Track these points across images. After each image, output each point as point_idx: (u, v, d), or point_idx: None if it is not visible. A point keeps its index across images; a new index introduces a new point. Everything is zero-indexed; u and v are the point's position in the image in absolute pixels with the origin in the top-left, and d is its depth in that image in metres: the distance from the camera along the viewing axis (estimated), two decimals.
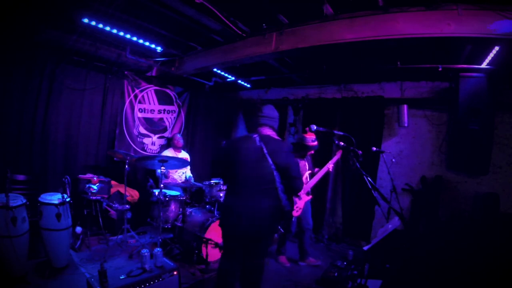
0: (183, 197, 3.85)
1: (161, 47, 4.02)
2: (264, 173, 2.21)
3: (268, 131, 2.40)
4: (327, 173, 3.63)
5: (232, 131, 6.61)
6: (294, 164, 2.30)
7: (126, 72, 4.57)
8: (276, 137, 2.42)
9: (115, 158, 4.24)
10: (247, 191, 2.24)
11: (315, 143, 3.52)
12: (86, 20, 3.15)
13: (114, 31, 3.41)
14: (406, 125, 4.25)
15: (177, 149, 4.67)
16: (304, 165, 3.69)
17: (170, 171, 4.45)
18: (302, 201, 3.58)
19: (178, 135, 4.75)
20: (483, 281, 2.80)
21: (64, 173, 3.32)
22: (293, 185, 2.28)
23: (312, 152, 3.65)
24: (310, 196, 3.70)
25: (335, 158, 3.68)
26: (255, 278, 2.42)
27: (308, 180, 3.65)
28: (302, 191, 3.53)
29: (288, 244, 3.89)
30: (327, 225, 5.09)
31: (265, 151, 2.22)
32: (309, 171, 3.72)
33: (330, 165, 3.60)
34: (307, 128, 3.54)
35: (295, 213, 3.54)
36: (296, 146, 3.72)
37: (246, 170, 2.25)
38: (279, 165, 2.22)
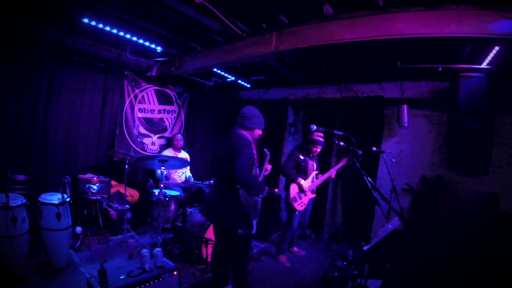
0: (183, 197, 3.85)
1: (161, 47, 4.01)
2: (219, 167, 2.52)
3: (238, 130, 2.55)
4: (329, 177, 3.86)
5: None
6: (238, 154, 2.31)
7: (126, 72, 4.57)
8: (237, 133, 2.51)
9: (115, 158, 4.23)
10: (213, 183, 2.65)
11: (322, 139, 3.71)
12: (86, 20, 3.14)
13: (114, 31, 3.41)
14: (406, 125, 4.25)
15: (177, 149, 4.68)
16: (312, 164, 3.86)
17: (170, 171, 4.45)
18: (307, 197, 3.76)
19: (179, 136, 4.74)
20: (483, 281, 2.80)
21: (64, 173, 3.32)
22: (235, 175, 2.30)
23: (318, 150, 3.78)
24: (314, 195, 3.88)
25: (339, 165, 3.87)
26: (237, 277, 2.61)
27: (315, 180, 3.84)
28: (309, 187, 3.74)
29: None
30: (327, 225, 5.09)
31: (221, 146, 2.54)
32: (316, 171, 3.87)
33: (333, 172, 3.82)
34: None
35: (300, 207, 3.70)
36: (304, 143, 3.91)
37: (214, 166, 2.64)
38: (224, 157, 2.43)
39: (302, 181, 3.67)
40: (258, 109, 2.66)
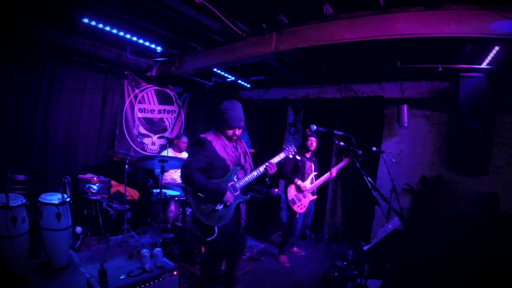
0: (183, 197, 3.85)
1: (161, 47, 4.01)
2: None
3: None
4: (329, 177, 3.81)
5: None
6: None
7: (126, 72, 4.57)
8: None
9: (115, 158, 4.23)
10: None
11: (313, 137, 3.70)
12: (86, 20, 3.14)
13: (114, 31, 3.41)
14: (406, 125, 4.25)
15: (180, 151, 4.62)
16: (310, 166, 3.81)
17: (170, 171, 4.44)
18: (306, 199, 3.70)
19: (185, 137, 4.59)
20: (483, 281, 2.80)
21: (64, 173, 3.32)
22: None
23: (313, 143, 3.71)
24: (315, 196, 3.82)
25: (340, 165, 3.84)
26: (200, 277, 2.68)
27: (314, 181, 3.78)
28: (308, 190, 3.69)
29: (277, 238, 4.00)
30: (327, 225, 5.09)
31: None
32: (315, 173, 3.83)
33: (333, 171, 3.77)
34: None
35: (300, 209, 3.64)
36: (300, 145, 3.86)
37: None
38: None
39: (299, 182, 3.63)
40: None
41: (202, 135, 2.38)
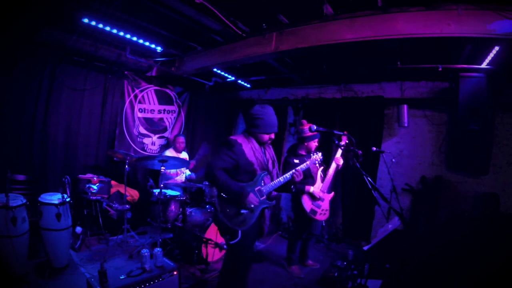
0: (183, 197, 3.85)
1: (161, 47, 4.02)
2: None
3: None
4: (337, 169, 3.36)
5: (232, 131, 6.61)
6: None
7: (126, 72, 4.57)
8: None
9: (115, 158, 4.23)
10: None
11: (314, 133, 3.09)
12: (86, 20, 3.15)
13: (114, 31, 3.41)
14: (406, 125, 4.25)
15: (178, 151, 4.64)
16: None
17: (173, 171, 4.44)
18: (325, 201, 3.36)
19: (182, 138, 4.60)
20: (483, 281, 2.80)
21: (64, 173, 3.31)
22: None
23: (317, 143, 3.34)
24: (332, 194, 3.44)
25: (339, 152, 3.36)
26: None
27: (323, 177, 3.38)
28: (321, 189, 3.32)
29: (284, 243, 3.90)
30: (327, 225, 5.09)
31: None
32: (322, 167, 3.43)
33: (337, 159, 3.32)
34: (303, 121, 3.44)
35: (323, 217, 3.35)
36: (298, 143, 3.43)
37: None
38: None
39: (311, 189, 3.25)
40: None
41: (231, 137, 2.32)
